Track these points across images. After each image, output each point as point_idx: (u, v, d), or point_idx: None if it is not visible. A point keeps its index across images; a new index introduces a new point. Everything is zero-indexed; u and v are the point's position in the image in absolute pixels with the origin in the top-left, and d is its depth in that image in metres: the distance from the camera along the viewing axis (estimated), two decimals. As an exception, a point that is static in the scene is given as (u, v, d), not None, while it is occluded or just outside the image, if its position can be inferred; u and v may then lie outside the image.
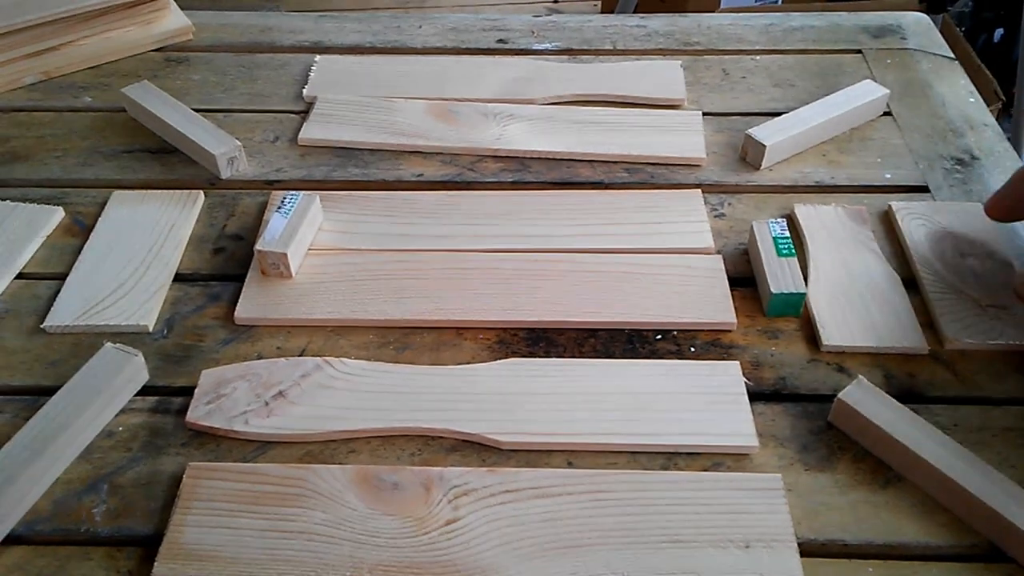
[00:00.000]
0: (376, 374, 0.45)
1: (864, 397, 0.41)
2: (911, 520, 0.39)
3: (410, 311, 0.48)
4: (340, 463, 0.41)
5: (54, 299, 0.49)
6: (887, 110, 0.63)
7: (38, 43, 0.66)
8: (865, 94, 0.61)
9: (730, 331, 0.48)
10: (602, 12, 2.53)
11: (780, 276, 0.48)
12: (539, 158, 0.60)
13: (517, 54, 0.70)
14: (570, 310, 0.48)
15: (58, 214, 0.54)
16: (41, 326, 0.47)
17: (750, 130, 0.58)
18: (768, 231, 0.51)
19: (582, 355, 0.47)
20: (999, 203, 0.49)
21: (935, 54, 0.70)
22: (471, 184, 0.58)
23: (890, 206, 0.55)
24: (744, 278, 0.51)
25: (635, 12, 1.78)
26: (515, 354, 0.47)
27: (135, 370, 0.44)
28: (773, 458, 0.41)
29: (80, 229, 0.54)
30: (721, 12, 0.77)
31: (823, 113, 0.60)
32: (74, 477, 0.41)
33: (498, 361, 0.46)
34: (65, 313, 0.48)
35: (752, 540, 0.37)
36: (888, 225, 0.54)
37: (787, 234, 0.50)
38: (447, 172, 0.59)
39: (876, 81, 0.64)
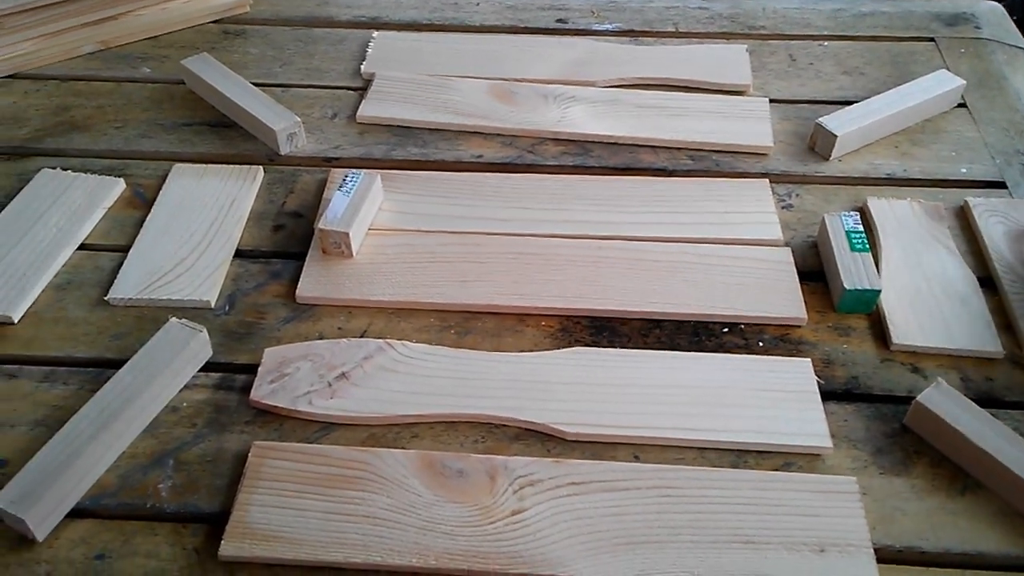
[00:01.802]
0: (439, 359, 0.44)
1: (944, 401, 0.40)
2: (991, 529, 0.38)
3: (472, 295, 0.48)
4: (403, 447, 0.41)
5: (116, 271, 0.49)
6: (961, 102, 0.61)
7: (97, 12, 0.66)
8: (940, 85, 0.59)
9: (800, 327, 0.46)
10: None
11: (854, 271, 0.47)
12: (601, 142, 0.59)
13: (576, 34, 0.69)
14: (634, 300, 0.47)
15: (119, 186, 0.54)
16: (105, 298, 0.47)
17: (820, 119, 0.57)
18: (840, 224, 0.49)
19: (646, 346, 0.46)
20: None
21: (1010, 45, 0.67)
22: (531, 167, 0.57)
23: (966, 202, 0.53)
24: (812, 272, 0.49)
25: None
26: (578, 343, 0.46)
27: (200, 346, 0.44)
28: (847, 460, 0.40)
29: (141, 201, 0.54)
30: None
31: (897, 103, 0.58)
32: (139, 452, 0.41)
33: (562, 350, 0.45)
34: (128, 286, 0.48)
35: (827, 544, 0.36)
36: (964, 221, 0.52)
37: (861, 228, 0.49)
38: (507, 154, 0.58)
39: (950, 71, 0.61)
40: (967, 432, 0.39)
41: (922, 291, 0.47)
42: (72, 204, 0.52)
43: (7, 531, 0.38)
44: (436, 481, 0.39)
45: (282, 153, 0.57)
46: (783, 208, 0.54)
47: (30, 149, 0.58)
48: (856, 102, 0.59)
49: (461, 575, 0.36)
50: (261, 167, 0.56)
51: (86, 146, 0.58)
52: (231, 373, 0.44)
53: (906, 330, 0.46)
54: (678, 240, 0.51)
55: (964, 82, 0.60)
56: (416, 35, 0.68)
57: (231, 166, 0.56)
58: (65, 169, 0.55)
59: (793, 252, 0.50)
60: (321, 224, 0.49)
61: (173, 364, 0.42)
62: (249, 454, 0.40)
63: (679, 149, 0.58)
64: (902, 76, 0.63)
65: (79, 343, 0.46)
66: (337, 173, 0.55)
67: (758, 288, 0.48)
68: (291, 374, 0.43)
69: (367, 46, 0.67)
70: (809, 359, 0.44)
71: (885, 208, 0.52)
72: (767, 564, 0.36)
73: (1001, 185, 0.55)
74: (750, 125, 0.59)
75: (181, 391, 0.43)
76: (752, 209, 0.53)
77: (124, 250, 0.50)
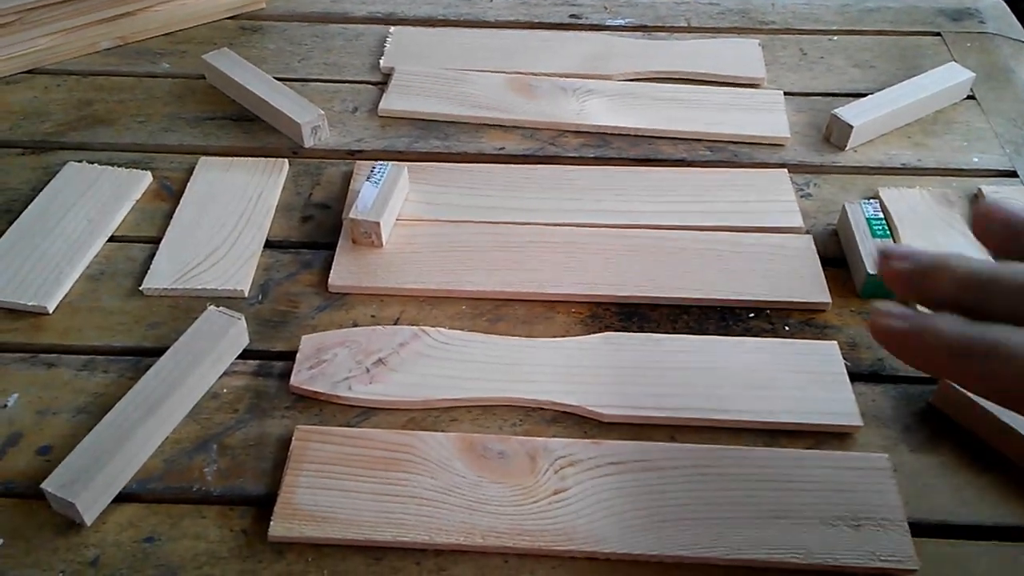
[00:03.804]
0: (474, 344, 0.45)
1: (970, 379, 0.41)
2: (1019, 501, 0.39)
3: (502, 283, 0.48)
4: (443, 430, 0.42)
5: (148, 262, 0.49)
6: (970, 94, 0.63)
7: (115, 7, 0.66)
8: (951, 77, 0.61)
9: (824, 311, 0.47)
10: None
11: (876, 257, 0.48)
12: (620, 134, 0.60)
13: (590, 29, 0.70)
14: (662, 286, 0.48)
15: (146, 179, 0.55)
16: (139, 288, 0.48)
17: (836, 110, 0.58)
18: (861, 212, 0.50)
19: (675, 331, 0.47)
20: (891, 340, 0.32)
21: (1015, 39, 0.69)
22: (553, 159, 0.58)
23: (980, 190, 0.54)
24: (833, 259, 0.51)
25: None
26: (608, 328, 0.47)
27: (238, 333, 0.44)
28: (877, 438, 0.41)
29: (168, 194, 0.54)
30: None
31: (910, 95, 0.59)
32: (183, 437, 0.41)
33: (594, 335, 0.46)
34: (162, 276, 0.48)
35: (862, 519, 0.37)
36: (978, 209, 0.54)
37: (880, 215, 0.50)
38: (528, 146, 0.59)
39: (957, 64, 0.63)
40: (993, 409, 0.40)
41: (941, 276, 0.49)
42: (101, 197, 0.53)
43: (54, 516, 0.38)
44: (478, 463, 0.40)
45: (306, 146, 0.58)
46: (802, 197, 0.55)
47: (54, 143, 0.58)
48: (867, 94, 0.61)
49: (507, 552, 0.37)
50: (286, 160, 0.56)
51: (110, 140, 0.58)
52: (268, 360, 0.45)
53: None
54: (702, 228, 0.52)
55: (973, 74, 0.61)
56: (432, 31, 0.69)
57: (256, 159, 0.56)
58: (91, 162, 0.55)
59: (815, 240, 0.51)
60: (352, 214, 0.49)
61: (214, 351, 0.43)
62: (293, 438, 0.40)
63: (697, 140, 0.59)
64: (911, 69, 0.64)
65: (116, 332, 0.46)
66: (362, 165, 0.56)
67: (782, 274, 0.49)
68: (329, 360, 0.44)
69: (384, 41, 0.67)
70: (835, 342, 0.45)
71: (897, 196, 0.53)
72: (805, 537, 0.37)
73: (1012, 174, 0.56)
74: (766, 117, 0.60)
75: (221, 378, 0.44)
76: (772, 198, 0.54)
77: (154, 241, 0.51)
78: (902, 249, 0.32)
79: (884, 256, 0.32)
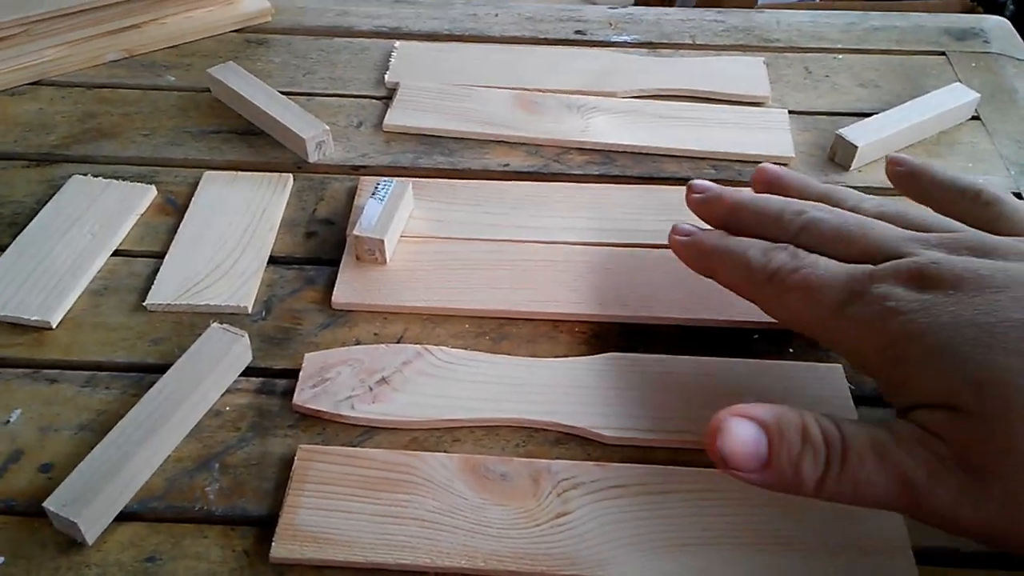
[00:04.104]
0: (478, 364, 0.45)
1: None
2: (1024, 531, 0.39)
3: (506, 302, 0.48)
4: (445, 451, 0.42)
5: (152, 277, 0.49)
6: (974, 114, 0.63)
7: (121, 20, 0.67)
8: (956, 98, 0.61)
9: (829, 333, 0.47)
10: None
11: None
12: (625, 152, 0.60)
13: (595, 46, 0.70)
14: (666, 307, 0.48)
15: (151, 192, 0.55)
16: (143, 303, 0.48)
17: (841, 130, 0.58)
18: (866, 234, 0.50)
19: (680, 352, 0.46)
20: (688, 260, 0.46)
21: (1019, 59, 0.69)
22: (557, 176, 0.58)
23: (985, 212, 0.54)
24: (838, 280, 0.50)
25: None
26: (612, 348, 0.47)
27: (241, 350, 0.44)
28: (881, 463, 0.41)
29: (173, 208, 0.54)
30: (799, 9, 0.76)
31: (914, 115, 0.59)
32: (185, 455, 0.41)
33: (598, 355, 0.46)
34: (166, 292, 0.48)
35: (867, 547, 0.37)
36: (983, 231, 0.54)
37: (885, 237, 0.50)
38: (533, 163, 0.59)
39: (962, 84, 0.63)
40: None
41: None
42: (105, 210, 0.53)
43: (56, 534, 0.38)
44: (480, 484, 0.40)
45: (311, 161, 0.58)
46: (806, 217, 0.55)
47: (58, 155, 0.58)
48: (872, 114, 0.61)
49: (509, 576, 0.37)
50: (291, 175, 0.56)
51: (115, 153, 0.59)
52: (271, 378, 0.45)
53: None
54: (705, 248, 0.52)
55: (979, 95, 0.61)
56: (438, 45, 0.69)
57: (261, 174, 0.56)
58: (96, 176, 0.55)
59: (818, 260, 0.51)
60: (356, 231, 0.49)
61: (216, 369, 0.42)
62: (295, 457, 0.40)
63: (702, 159, 0.59)
64: (916, 89, 0.64)
65: (118, 348, 0.46)
66: (367, 181, 0.56)
67: (786, 295, 0.49)
68: (332, 379, 0.44)
69: (390, 56, 0.67)
70: (840, 365, 0.45)
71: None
72: (811, 566, 0.37)
73: (1018, 196, 0.56)
74: (771, 136, 0.60)
75: (223, 395, 0.44)
76: (777, 218, 0.54)
77: (158, 256, 0.51)
78: (700, 183, 0.46)
79: (687, 188, 0.47)
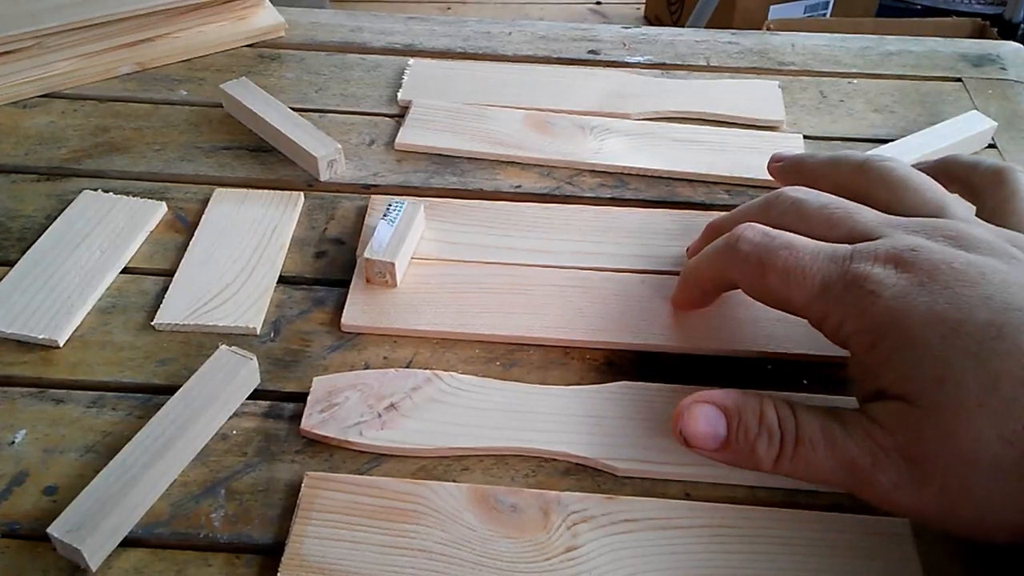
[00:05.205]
0: (488, 391, 0.44)
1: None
2: (1043, 574, 0.38)
3: (517, 327, 0.48)
4: (454, 480, 0.41)
5: (160, 295, 0.49)
6: (991, 143, 0.62)
7: (134, 33, 0.67)
8: (973, 125, 0.60)
9: (845, 365, 0.47)
10: (645, 14, 2.53)
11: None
12: (638, 175, 0.59)
13: (609, 66, 0.70)
14: (679, 335, 0.48)
15: (161, 209, 0.54)
16: (151, 323, 0.47)
17: (857, 157, 0.57)
18: (882, 264, 0.50)
19: (692, 382, 0.46)
20: (685, 299, 0.49)
21: (1036, 86, 0.69)
22: (569, 198, 0.57)
23: (1002, 243, 0.53)
24: (853, 310, 0.50)
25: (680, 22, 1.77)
26: (624, 376, 0.46)
27: (249, 373, 0.44)
28: (897, 501, 0.40)
29: (183, 225, 0.54)
30: (814, 32, 0.76)
31: (932, 143, 0.59)
32: (191, 480, 0.41)
33: (609, 384, 0.45)
34: (174, 311, 0.48)
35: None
36: (1000, 263, 0.53)
37: (901, 268, 0.49)
38: (545, 184, 0.58)
39: (979, 112, 0.62)
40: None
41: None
42: (115, 227, 0.52)
43: (59, 559, 0.38)
44: (489, 515, 0.39)
45: (322, 179, 0.58)
46: (821, 245, 0.54)
47: (69, 170, 0.58)
48: (888, 140, 0.60)
49: (518, 612, 0.36)
50: (301, 193, 0.56)
51: (126, 168, 0.58)
52: (279, 401, 0.44)
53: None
54: (719, 275, 0.51)
55: (996, 124, 0.61)
56: (451, 63, 0.69)
57: (272, 191, 0.56)
58: (106, 191, 0.55)
59: (833, 289, 0.50)
60: (367, 254, 0.49)
61: (224, 392, 0.42)
62: (303, 485, 0.40)
63: (716, 183, 0.59)
64: (932, 115, 0.64)
65: (126, 368, 0.45)
66: (377, 200, 0.56)
67: (802, 324, 0.48)
68: (340, 404, 0.43)
69: (403, 73, 0.67)
70: (854, 398, 0.44)
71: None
72: (825, 607, 0.36)
73: (1035, 226, 0.55)
74: (785, 161, 0.59)
75: (230, 419, 0.43)
76: (791, 245, 0.53)
77: (167, 274, 0.50)
78: (779, 153, 0.52)
79: (772, 158, 0.52)
